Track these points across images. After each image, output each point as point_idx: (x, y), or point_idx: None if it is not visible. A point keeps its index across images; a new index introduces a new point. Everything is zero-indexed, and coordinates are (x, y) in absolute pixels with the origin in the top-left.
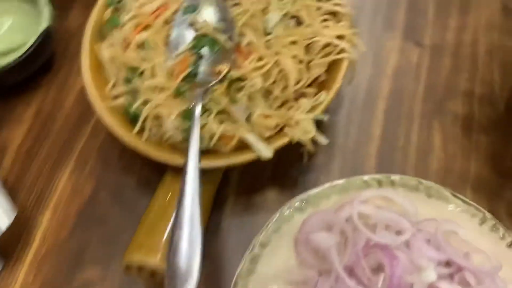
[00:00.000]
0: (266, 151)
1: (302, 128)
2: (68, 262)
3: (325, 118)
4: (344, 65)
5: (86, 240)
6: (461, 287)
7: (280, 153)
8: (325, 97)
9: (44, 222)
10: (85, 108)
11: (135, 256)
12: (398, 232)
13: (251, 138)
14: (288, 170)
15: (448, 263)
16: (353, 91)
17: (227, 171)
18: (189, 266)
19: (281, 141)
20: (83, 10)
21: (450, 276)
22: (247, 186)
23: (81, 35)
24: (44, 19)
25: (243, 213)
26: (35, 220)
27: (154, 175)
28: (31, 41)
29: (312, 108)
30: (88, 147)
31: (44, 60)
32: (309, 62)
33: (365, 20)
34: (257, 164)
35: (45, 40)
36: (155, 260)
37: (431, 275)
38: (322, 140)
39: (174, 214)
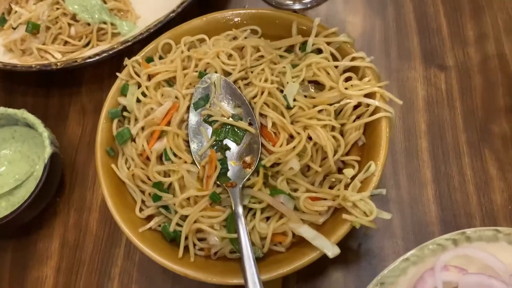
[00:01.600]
0: (331, 249)
1: (361, 210)
2: None
3: (384, 192)
4: (384, 125)
5: None
6: None
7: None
8: (375, 167)
9: None
10: (112, 227)
11: None
12: None
13: (307, 234)
14: (347, 242)
15: None
16: (390, 136)
17: None
18: None
19: (342, 231)
20: (78, 119)
21: None
22: (309, 272)
23: (83, 146)
24: (46, 143)
25: None
26: None
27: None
28: (38, 169)
29: (364, 182)
30: (127, 269)
31: (57, 184)
32: (343, 127)
33: (380, 55)
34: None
35: (53, 163)
36: None
37: None
38: (387, 216)
39: None
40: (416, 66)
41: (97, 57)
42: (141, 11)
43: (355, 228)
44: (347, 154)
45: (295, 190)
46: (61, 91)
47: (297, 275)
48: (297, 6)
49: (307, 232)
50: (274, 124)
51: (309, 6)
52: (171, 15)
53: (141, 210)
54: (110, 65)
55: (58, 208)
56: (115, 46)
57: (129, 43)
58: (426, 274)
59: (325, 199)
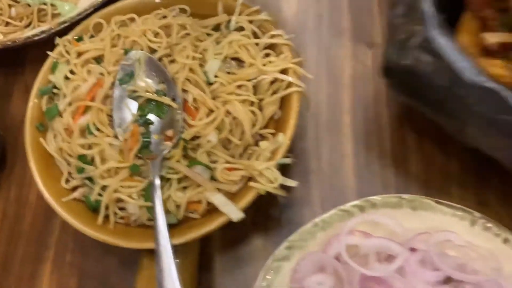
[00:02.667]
0: (236, 213)
1: (267, 178)
2: None
3: (290, 161)
4: (295, 100)
5: None
6: None
7: (258, 195)
8: (283, 138)
9: None
10: None
11: None
12: (391, 258)
13: (218, 201)
14: (269, 211)
15: (447, 279)
16: (315, 111)
17: None
18: None
19: (249, 197)
20: (22, 98)
21: None
22: (231, 239)
23: None
24: None
25: (233, 268)
26: None
27: (135, 252)
28: None
29: (273, 153)
30: (63, 239)
31: None
32: (261, 101)
33: (312, 32)
34: None
35: None
36: None
37: None
38: (292, 183)
39: None
40: (346, 43)
41: (36, 38)
42: None
43: (276, 199)
44: (265, 127)
45: (215, 162)
46: (5, 71)
47: (220, 243)
48: None
49: (217, 199)
50: (195, 99)
51: None
52: None
53: (68, 182)
54: (52, 45)
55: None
56: (53, 27)
57: (67, 24)
58: (333, 238)
59: (240, 169)
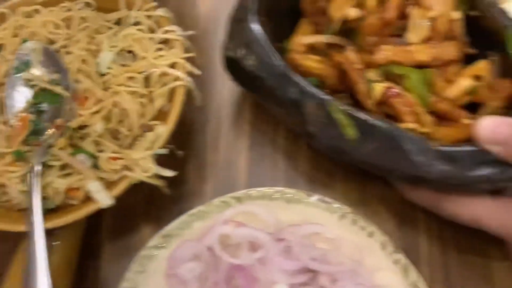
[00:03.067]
0: (105, 200)
1: (142, 168)
2: None
3: (166, 152)
4: (180, 93)
5: None
6: None
7: (149, 188)
8: (163, 129)
9: None
10: None
11: None
12: (257, 248)
13: (92, 188)
14: (161, 203)
15: (307, 269)
16: (218, 106)
17: (97, 216)
18: None
19: (122, 186)
20: None
21: (306, 284)
22: (121, 229)
23: None
24: None
25: (121, 257)
26: None
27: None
28: None
29: (153, 144)
30: None
31: None
32: (151, 93)
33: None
34: (129, 202)
35: None
36: None
37: None
38: (168, 173)
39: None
40: None
41: None
42: None
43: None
44: (156, 119)
45: (103, 151)
46: None
47: (109, 232)
48: None
49: (92, 186)
50: (86, 89)
51: None
52: None
53: None
54: None
55: None
56: None
57: None
58: (209, 229)
59: (123, 158)
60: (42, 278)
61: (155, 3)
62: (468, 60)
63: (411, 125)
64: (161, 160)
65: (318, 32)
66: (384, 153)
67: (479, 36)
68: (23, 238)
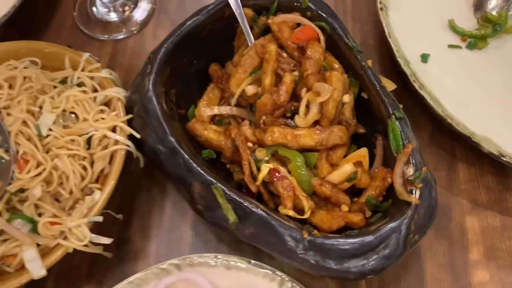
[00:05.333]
0: (38, 270)
1: (76, 236)
2: None
3: (101, 219)
4: (119, 157)
5: None
6: None
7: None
8: (99, 196)
9: None
10: None
11: None
12: None
13: (27, 257)
14: (105, 264)
15: None
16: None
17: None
18: None
19: (56, 255)
20: None
21: None
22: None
23: None
24: None
25: None
26: None
27: None
28: None
29: (90, 209)
30: None
31: None
32: (93, 155)
33: None
34: (72, 263)
35: None
36: None
37: None
38: (104, 240)
39: None
40: None
41: None
42: None
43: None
44: (97, 181)
45: (43, 214)
46: None
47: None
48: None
49: (27, 255)
50: (25, 152)
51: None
52: None
53: None
54: None
55: None
56: None
57: None
58: None
59: (61, 224)
60: None
61: (98, 64)
62: (358, 138)
63: (290, 212)
64: (104, 221)
65: (224, 97)
66: (262, 237)
67: (369, 117)
68: None
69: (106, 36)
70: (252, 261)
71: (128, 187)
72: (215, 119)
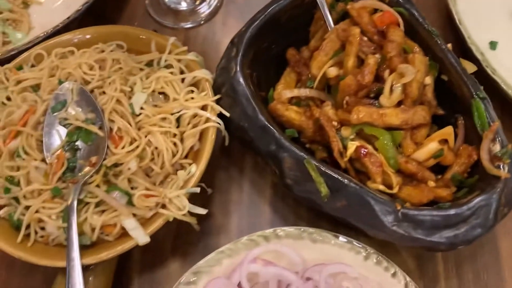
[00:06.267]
0: (142, 238)
1: (176, 206)
2: None
3: (198, 190)
4: (210, 134)
5: None
6: None
7: (177, 224)
8: (195, 169)
9: None
10: None
11: None
12: (284, 287)
13: (128, 225)
14: (188, 238)
15: None
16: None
17: (128, 251)
18: None
19: (157, 223)
20: None
21: None
22: (150, 263)
23: None
24: None
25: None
26: None
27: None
28: None
29: (186, 182)
30: None
31: None
32: (183, 133)
33: None
34: (157, 239)
35: None
36: None
37: None
38: (200, 211)
39: None
40: None
41: None
42: (37, 22)
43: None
44: (186, 157)
45: (136, 188)
46: None
47: (139, 266)
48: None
49: (128, 223)
50: (119, 129)
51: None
52: (57, 28)
53: None
54: None
55: None
56: (1, 54)
57: (14, 52)
58: (237, 266)
59: (156, 196)
60: None
61: (185, 48)
62: (436, 119)
63: (380, 186)
64: (189, 196)
65: (300, 80)
66: (353, 210)
67: (448, 98)
68: (55, 272)
69: (176, 24)
70: (337, 234)
71: (208, 165)
72: (292, 102)
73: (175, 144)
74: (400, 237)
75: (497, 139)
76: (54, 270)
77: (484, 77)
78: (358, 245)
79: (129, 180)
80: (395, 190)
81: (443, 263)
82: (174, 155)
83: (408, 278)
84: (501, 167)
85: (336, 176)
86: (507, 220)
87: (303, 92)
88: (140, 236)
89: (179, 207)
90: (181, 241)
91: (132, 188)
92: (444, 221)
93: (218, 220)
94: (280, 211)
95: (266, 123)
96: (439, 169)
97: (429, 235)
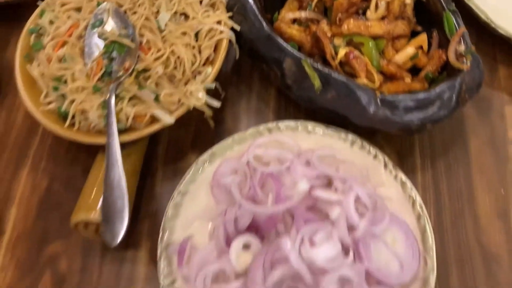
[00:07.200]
0: (168, 119)
1: (195, 97)
2: (35, 242)
3: (213, 86)
4: (224, 43)
5: (47, 223)
6: (330, 191)
7: (196, 126)
8: (210, 70)
9: (12, 215)
10: (32, 122)
11: (78, 216)
12: (284, 162)
13: (157, 112)
14: (205, 137)
15: (324, 177)
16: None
17: (153, 146)
18: (118, 215)
19: (181, 110)
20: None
21: (323, 186)
22: (172, 157)
23: None
24: None
25: (172, 178)
26: (4, 215)
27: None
28: None
29: (203, 82)
30: (39, 151)
31: None
32: (200, 46)
33: None
34: (179, 138)
35: None
36: (93, 215)
37: (303, 185)
38: (214, 103)
39: (104, 181)
40: None
41: None
42: None
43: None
44: (203, 66)
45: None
46: (5, 25)
47: (163, 158)
48: None
49: (158, 113)
50: (148, 41)
51: None
52: None
53: (45, 98)
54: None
55: None
56: None
57: None
58: (246, 150)
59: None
60: (118, 172)
61: None
62: (414, 35)
63: (364, 80)
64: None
65: (301, 7)
66: (341, 99)
67: (425, 16)
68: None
69: None
70: (329, 125)
71: (221, 83)
72: (294, 23)
73: (194, 55)
74: (380, 120)
75: (463, 41)
76: (92, 161)
77: (461, 6)
78: (345, 133)
79: (156, 85)
80: (376, 85)
81: (420, 158)
82: (193, 64)
83: (386, 158)
84: (464, 62)
85: (327, 71)
86: (475, 125)
87: (303, 13)
88: (166, 118)
89: (199, 98)
90: (199, 140)
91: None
92: (415, 104)
93: (229, 124)
94: (282, 117)
95: (270, 33)
96: (416, 72)
97: (403, 116)
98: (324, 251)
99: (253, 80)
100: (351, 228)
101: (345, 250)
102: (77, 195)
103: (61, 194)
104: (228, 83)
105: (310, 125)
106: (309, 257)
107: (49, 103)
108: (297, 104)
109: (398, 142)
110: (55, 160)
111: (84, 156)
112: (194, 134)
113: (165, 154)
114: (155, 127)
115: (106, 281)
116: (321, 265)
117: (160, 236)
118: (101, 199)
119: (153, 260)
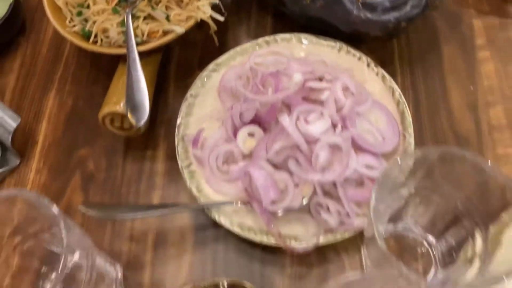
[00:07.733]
0: (179, 29)
1: (202, 11)
2: (65, 148)
3: (217, 1)
4: None
5: (75, 133)
6: (321, 83)
7: (202, 46)
8: None
9: (43, 127)
10: (56, 51)
11: (105, 109)
12: (281, 65)
13: (169, 26)
14: (210, 57)
15: (315, 73)
16: None
17: (165, 66)
18: (141, 105)
19: (190, 22)
20: None
21: (315, 79)
22: (183, 73)
23: (41, 5)
24: None
25: (183, 91)
26: (36, 128)
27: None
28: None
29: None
30: (64, 75)
31: (18, 27)
32: None
33: None
34: (187, 57)
35: (15, 10)
36: (119, 107)
37: (298, 77)
38: (219, 17)
39: (126, 81)
40: None
41: None
42: None
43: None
44: None
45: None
46: None
47: (174, 75)
48: None
49: (170, 26)
50: None
51: None
52: None
53: (70, 23)
54: None
55: (21, 43)
56: None
57: None
58: (247, 59)
59: None
60: (138, 74)
61: None
62: None
63: None
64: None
65: None
66: (329, 8)
67: None
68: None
69: None
70: (319, 36)
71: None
72: None
73: None
74: (362, 22)
75: None
76: (110, 83)
77: None
78: (334, 41)
79: (166, 8)
80: None
81: (399, 65)
82: None
83: (369, 59)
84: None
85: None
86: (447, 33)
87: None
88: (178, 28)
89: (204, 12)
90: (205, 60)
91: None
92: (391, 4)
93: (231, 46)
94: (281, 20)
95: None
96: None
97: (381, 16)
98: (317, 127)
99: (252, 8)
100: (339, 109)
101: (334, 127)
102: (98, 109)
103: (85, 110)
104: (229, 12)
105: (303, 36)
106: (304, 130)
107: (73, 26)
108: (292, 28)
109: (380, 52)
110: (78, 82)
111: (104, 77)
112: (201, 54)
113: (175, 73)
114: (168, 37)
115: (130, 176)
116: (315, 136)
117: (176, 131)
118: (124, 97)
119: (169, 159)
